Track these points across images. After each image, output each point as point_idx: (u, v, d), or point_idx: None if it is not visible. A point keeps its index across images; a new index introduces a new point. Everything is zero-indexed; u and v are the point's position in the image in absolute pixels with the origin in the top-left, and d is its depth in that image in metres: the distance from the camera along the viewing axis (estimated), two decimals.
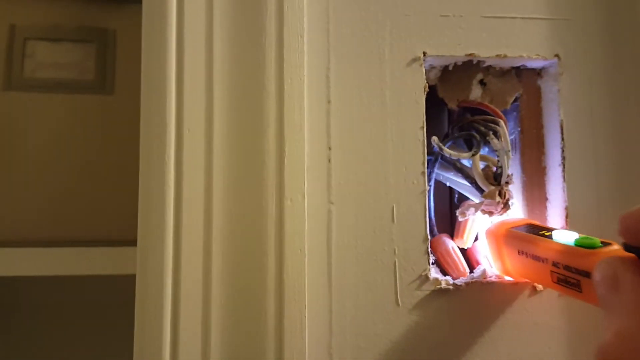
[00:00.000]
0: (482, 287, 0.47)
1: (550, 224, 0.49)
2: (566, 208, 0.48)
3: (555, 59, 0.50)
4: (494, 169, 0.49)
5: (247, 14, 0.45)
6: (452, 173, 0.51)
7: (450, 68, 0.51)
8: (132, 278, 0.44)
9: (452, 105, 0.52)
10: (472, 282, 0.47)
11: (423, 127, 0.47)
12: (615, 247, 0.34)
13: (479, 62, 0.50)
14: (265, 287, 0.43)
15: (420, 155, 0.47)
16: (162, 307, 0.42)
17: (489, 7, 0.50)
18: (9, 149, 0.84)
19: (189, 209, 0.43)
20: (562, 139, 0.49)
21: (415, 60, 0.48)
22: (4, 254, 0.74)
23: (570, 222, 0.48)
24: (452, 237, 0.51)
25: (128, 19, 0.88)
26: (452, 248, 0.49)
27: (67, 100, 0.86)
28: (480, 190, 0.49)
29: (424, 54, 0.48)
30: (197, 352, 0.42)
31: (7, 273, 0.73)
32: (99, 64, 0.87)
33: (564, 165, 0.49)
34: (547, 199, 0.50)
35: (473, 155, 0.49)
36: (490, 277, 0.47)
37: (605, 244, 0.35)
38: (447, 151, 0.49)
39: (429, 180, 0.49)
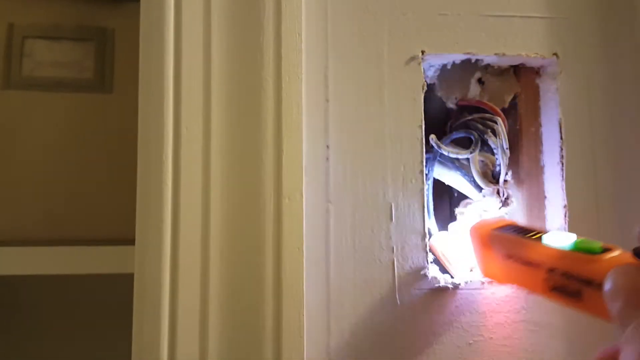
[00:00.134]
0: (482, 286, 0.47)
1: (549, 223, 0.49)
2: (565, 206, 0.48)
3: (554, 58, 0.50)
4: (493, 167, 0.49)
5: (245, 12, 0.45)
6: (451, 171, 0.51)
7: (449, 67, 0.51)
8: (130, 277, 0.44)
9: (451, 103, 0.52)
10: (470, 280, 0.47)
11: (421, 126, 0.47)
12: (618, 252, 0.32)
13: (477, 60, 0.50)
14: (263, 286, 0.43)
15: (418, 153, 0.47)
16: (160, 305, 0.42)
17: (488, 5, 0.50)
18: (7, 148, 0.84)
19: (187, 207, 0.43)
20: (561, 137, 0.49)
21: (413, 58, 0.48)
22: (2, 253, 0.74)
23: (569, 221, 0.48)
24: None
25: (127, 18, 0.88)
26: (450, 247, 0.49)
27: (66, 98, 0.86)
28: (478, 188, 0.49)
29: (423, 52, 0.48)
30: (195, 350, 0.42)
31: (6, 272, 0.73)
32: (97, 62, 0.87)
33: (562, 164, 0.49)
34: (545, 197, 0.50)
35: (471, 153, 0.49)
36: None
37: (605, 249, 0.32)
38: (446, 149, 0.49)
39: (428, 179, 0.49)
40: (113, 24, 0.88)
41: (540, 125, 0.51)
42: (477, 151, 0.49)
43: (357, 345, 0.45)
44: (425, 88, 0.48)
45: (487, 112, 0.50)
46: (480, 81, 0.51)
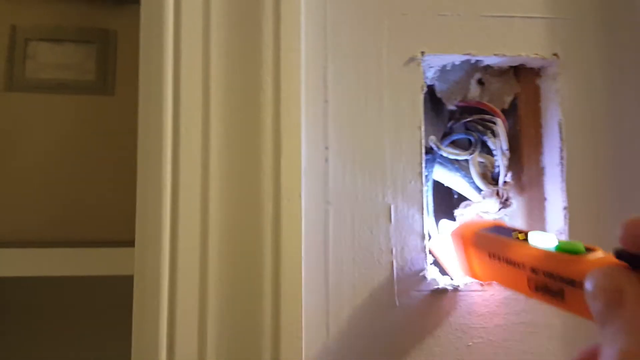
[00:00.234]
0: (480, 288, 0.46)
1: (549, 224, 0.49)
2: (565, 208, 0.48)
3: (554, 58, 0.50)
4: (493, 168, 0.49)
5: (244, 13, 0.45)
6: (451, 172, 0.51)
7: (449, 67, 0.50)
8: (130, 279, 0.44)
9: (451, 104, 0.52)
10: (469, 282, 0.46)
11: (421, 127, 0.47)
12: (601, 253, 0.32)
13: (477, 61, 0.50)
14: (262, 287, 0.42)
15: (417, 155, 0.47)
16: (160, 307, 0.42)
17: (488, 6, 0.49)
18: (10, 150, 0.84)
19: (186, 209, 0.43)
20: (561, 139, 0.49)
21: (413, 59, 0.48)
22: (3, 254, 0.74)
23: (569, 222, 0.48)
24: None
25: (128, 20, 0.88)
26: (449, 249, 0.48)
27: (68, 100, 0.86)
28: (478, 189, 0.49)
29: (422, 53, 0.48)
30: (194, 352, 0.42)
31: (7, 274, 0.73)
32: (99, 64, 0.87)
33: (562, 165, 0.49)
34: (545, 198, 0.50)
35: (470, 154, 0.48)
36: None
37: (589, 249, 0.33)
38: (445, 150, 0.49)
39: (427, 180, 0.49)
40: (115, 26, 0.88)
41: (540, 126, 0.51)
42: (476, 152, 0.49)
43: (356, 347, 0.45)
44: (425, 89, 0.48)
45: (487, 113, 0.50)
46: (480, 82, 0.51)
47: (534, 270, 0.35)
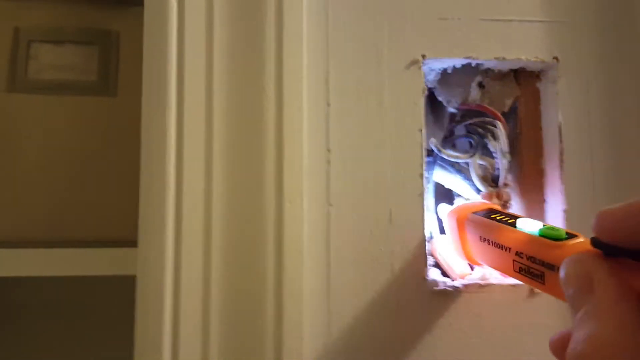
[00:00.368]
0: (481, 289, 0.47)
1: None
2: (564, 210, 0.49)
3: (554, 62, 0.50)
4: (493, 170, 0.50)
5: (247, 17, 0.45)
6: (451, 174, 0.51)
7: (449, 71, 0.51)
8: (131, 279, 0.44)
9: (451, 107, 0.52)
10: (470, 284, 0.47)
11: (422, 130, 0.48)
12: (581, 239, 0.33)
13: (477, 64, 0.50)
14: (265, 288, 0.43)
15: (418, 157, 0.47)
16: (163, 307, 0.43)
17: (488, 10, 0.50)
18: (12, 150, 0.85)
19: (189, 210, 0.44)
20: (561, 141, 0.49)
21: (414, 63, 0.48)
22: (5, 254, 0.74)
23: (568, 224, 0.48)
24: None
25: (131, 21, 0.88)
26: (449, 250, 0.49)
27: (71, 102, 0.87)
28: (478, 191, 0.49)
29: (423, 56, 0.48)
30: (197, 353, 0.42)
31: (9, 274, 0.74)
32: (102, 66, 0.88)
33: (562, 168, 0.49)
34: (545, 200, 0.51)
35: (471, 157, 0.49)
36: (488, 279, 0.47)
37: (570, 235, 0.34)
38: (446, 153, 0.49)
39: (428, 182, 0.50)
40: (117, 28, 0.88)
41: (540, 128, 0.52)
42: (477, 155, 0.49)
43: (357, 348, 0.45)
44: (426, 92, 0.48)
45: (487, 116, 0.50)
46: (480, 85, 0.52)
47: (518, 254, 0.36)
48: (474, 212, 0.44)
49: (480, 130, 0.50)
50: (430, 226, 0.49)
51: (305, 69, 0.46)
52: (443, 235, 0.49)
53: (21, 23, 0.88)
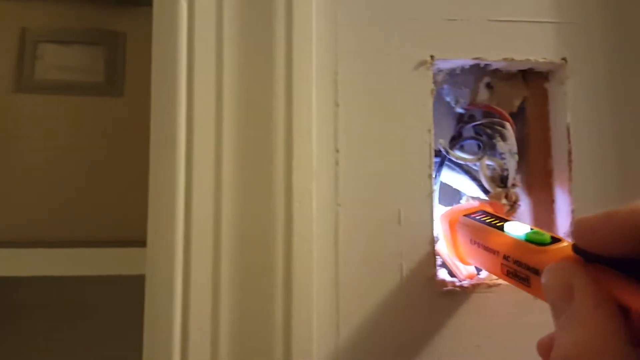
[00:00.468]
0: (489, 289, 0.47)
1: (557, 227, 0.50)
2: (572, 211, 0.49)
3: (562, 62, 0.50)
4: (502, 171, 0.50)
5: (256, 17, 0.45)
6: (459, 175, 0.51)
7: (458, 71, 0.51)
8: (141, 279, 0.44)
9: (459, 108, 0.52)
10: (478, 284, 0.47)
11: (430, 130, 0.48)
12: (565, 243, 0.34)
13: (485, 65, 0.50)
14: (274, 288, 0.43)
15: (427, 157, 0.48)
16: (171, 307, 0.43)
17: (496, 10, 0.50)
18: (19, 150, 0.85)
19: (199, 210, 0.44)
20: (569, 142, 0.49)
21: (422, 63, 0.48)
22: (13, 254, 0.75)
23: None
24: None
25: (137, 22, 0.88)
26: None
27: (77, 102, 0.87)
28: (487, 192, 0.50)
29: (432, 57, 0.48)
30: (207, 352, 0.42)
31: (17, 273, 0.74)
32: (108, 66, 0.88)
33: (570, 168, 0.49)
34: (553, 201, 0.51)
35: (479, 159, 0.49)
36: (497, 279, 0.47)
37: (555, 239, 0.35)
38: (454, 154, 0.49)
39: (435, 183, 0.50)
40: (124, 28, 0.89)
41: (548, 129, 0.52)
42: (485, 156, 0.49)
43: (366, 348, 0.45)
44: (435, 93, 0.48)
45: (495, 116, 0.50)
46: (488, 86, 0.52)
47: (505, 257, 0.37)
48: (465, 215, 0.44)
49: (488, 130, 0.50)
50: (437, 227, 0.49)
51: (314, 70, 0.46)
52: None
53: (28, 23, 0.89)
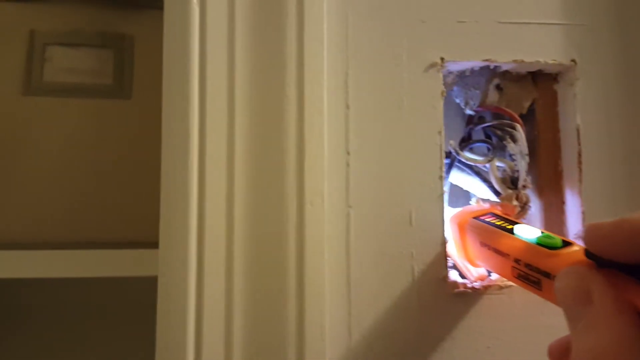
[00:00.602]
0: (501, 291, 0.47)
1: (568, 228, 0.50)
2: (583, 212, 0.49)
3: (572, 64, 0.50)
4: (512, 172, 0.50)
5: (268, 21, 0.46)
6: (469, 177, 0.51)
7: (467, 73, 0.51)
8: (153, 280, 0.45)
9: (469, 109, 0.52)
10: (489, 285, 0.47)
11: (441, 132, 0.48)
12: (576, 247, 0.34)
13: (495, 67, 0.50)
14: (286, 290, 0.43)
15: (437, 159, 0.48)
16: (184, 309, 0.43)
17: (505, 13, 0.50)
18: (29, 152, 0.86)
19: (211, 212, 0.44)
20: (579, 143, 0.49)
21: (432, 66, 0.49)
22: (25, 256, 0.75)
23: None
24: None
25: (146, 25, 0.89)
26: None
27: (86, 104, 0.88)
28: (497, 194, 0.50)
29: (442, 59, 0.49)
30: (220, 353, 0.43)
31: (29, 275, 0.74)
32: (117, 69, 0.88)
33: (580, 170, 0.49)
34: (563, 202, 0.51)
35: (489, 160, 0.49)
36: (507, 280, 0.48)
37: (566, 243, 0.35)
38: (464, 156, 0.49)
39: (445, 184, 0.50)
40: (132, 31, 0.89)
41: (558, 130, 0.52)
42: (495, 158, 0.49)
43: (377, 349, 0.46)
44: (445, 95, 0.49)
45: (505, 118, 0.50)
46: (498, 87, 0.52)
47: (516, 261, 0.37)
48: (475, 217, 0.45)
49: (498, 132, 0.50)
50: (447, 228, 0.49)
51: (326, 72, 0.46)
52: None
53: (37, 26, 0.89)
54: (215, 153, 0.44)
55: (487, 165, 0.50)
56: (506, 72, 0.52)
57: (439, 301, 0.46)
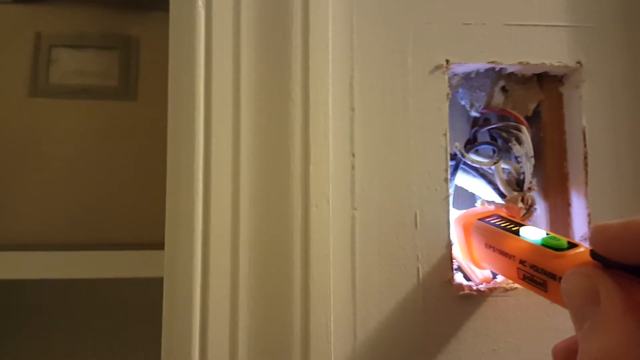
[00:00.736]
0: (506, 293, 0.47)
1: (574, 230, 0.50)
2: (588, 215, 0.49)
3: (578, 66, 0.50)
4: (517, 174, 0.50)
5: (273, 23, 0.46)
6: (474, 179, 0.51)
7: (473, 75, 0.51)
8: (159, 281, 0.45)
9: (475, 111, 0.52)
10: (495, 287, 0.47)
11: (446, 134, 0.48)
12: (582, 249, 0.34)
13: (501, 69, 0.50)
14: (292, 292, 0.43)
15: (443, 161, 0.48)
16: (191, 310, 0.43)
17: (511, 14, 0.50)
18: (35, 154, 0.86)
19: (217, 213, 0.44)
20: (585, 146, 0.49)
21: (438, 68, 0.49)
22: (31, 257, 0.76)
23: None
24: None
25: (151, 26, 0.89)
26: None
27: (92, 106, 0.88)
28: (502, 196, 0.50)
29: (447, 61, 0.49)
30: (225, 355, 0.43)
31: (36, 276, 0.75)
32: (122, 70, 0.89)
33: (586, 172, 0.49)
34: (569, 205, 0.51)
35: (495, 162, 0.49)
36: (513, 282, 0.47)
37: (572, 244, 0.35)
38: (469, 158, 0.49)
39: (450, 187, 0.50)
40: (138, 33, 0.89)
41: (564, 132, 0.52)
42: (501, 160, 0.49)
43: (382, 351, 0.46)
44: (450, 97, 0.49)
45: (511, 120, 0.50)
46: (504, 89, 0.52)
47: (522, 262, 0.38)
48: (480, 219, 0.45)
49: (504, 134, 0.50)
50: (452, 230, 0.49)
51: (331, 75, 0.46)
52: None
53: (42, 28, 0.90)
54: (221, 154, 0.44)
55: (493, 167, 0.50)
56: (512, 74, 0.51)
57: (444, 303, 0.46)
